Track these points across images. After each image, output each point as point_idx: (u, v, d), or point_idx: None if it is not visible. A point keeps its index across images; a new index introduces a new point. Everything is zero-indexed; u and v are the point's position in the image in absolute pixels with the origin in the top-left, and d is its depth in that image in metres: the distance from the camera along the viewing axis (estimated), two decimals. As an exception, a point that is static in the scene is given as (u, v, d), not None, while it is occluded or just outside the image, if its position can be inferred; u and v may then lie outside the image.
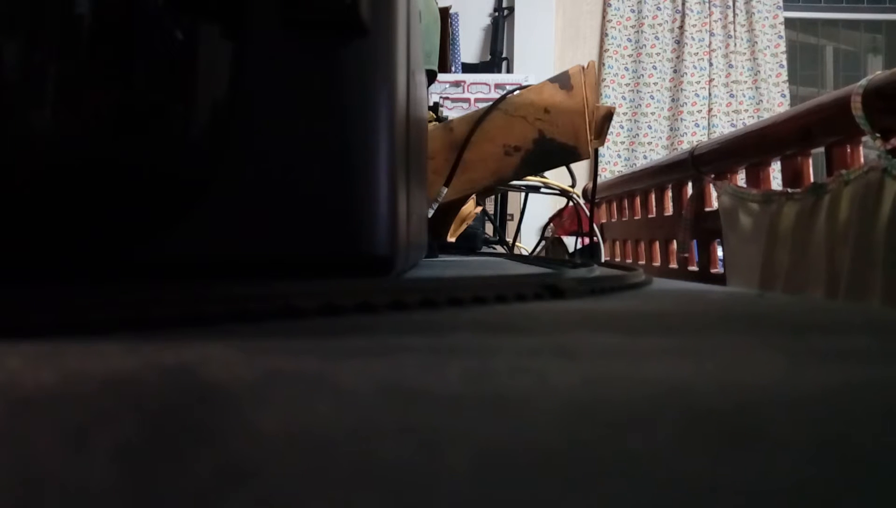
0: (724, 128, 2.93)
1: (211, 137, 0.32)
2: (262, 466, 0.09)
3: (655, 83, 3.01)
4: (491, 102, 0.94)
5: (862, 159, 0.90)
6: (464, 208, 1.11)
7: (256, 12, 0.32)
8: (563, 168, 1.06)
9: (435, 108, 1.12)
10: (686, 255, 1.38)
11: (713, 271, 1.29)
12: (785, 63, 2.98)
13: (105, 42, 0.32)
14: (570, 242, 1.86)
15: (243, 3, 0.32)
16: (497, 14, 2.94)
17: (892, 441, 0.10)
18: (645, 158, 2.94)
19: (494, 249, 1.35)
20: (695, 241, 1.36)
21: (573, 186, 1.18)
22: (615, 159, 2.97)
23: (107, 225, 0.31)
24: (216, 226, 0.31)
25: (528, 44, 2.91)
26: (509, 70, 2.84)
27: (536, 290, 0.32)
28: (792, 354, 0.18)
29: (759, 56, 2.98)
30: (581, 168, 2.48)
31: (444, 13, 1.82)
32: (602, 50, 3.04)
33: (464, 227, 1.23)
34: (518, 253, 1.33)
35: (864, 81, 0.81)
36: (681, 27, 3.01)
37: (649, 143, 3.00)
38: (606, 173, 2.82)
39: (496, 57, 2.85)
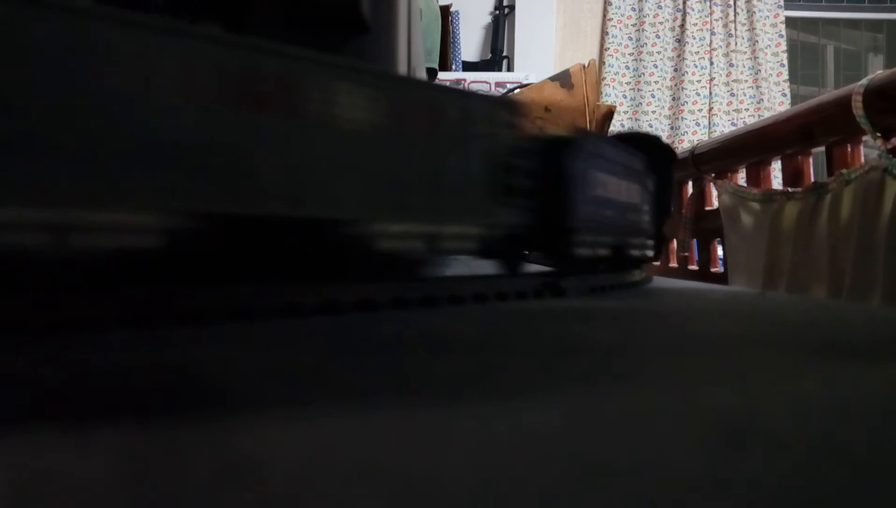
0: (724, 127, 2.92)
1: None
2: (263, 463, 0.09)
3: (656, 82, 3.01)
4: (491, 101, 0.94)
5: (862, 159, 0.90)
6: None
7: (258, 9, 0.32)
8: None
9: (435, 106, 1.11)
10: (686, 254, 1.38)
11: (713, 270, 1.28)
12: (786, 62, 2.98)
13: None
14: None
15: (245, 1, 0.32)
16: (497, 12, 2.93)
17: (893, 441, 0.10)
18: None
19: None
20: (695, 240, 1.36)
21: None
22: (616, 158, 2.96)
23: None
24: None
25: (528, 42, 2.91)
26: (510, 68, 2.84)
27: (537, 288, 0.32)
28: (793, 353, 0.18)
29: (760, 55, 2.97)
30: (581, 167, 2.47)
31: (445, 11, 1.82)
32: (603, 48, 3.03)
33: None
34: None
35: (864, 81, 0.81)
36: (682, 26, 3.00)
37: (650, 141, 3.00)
38: (607, 172, 2.81)
39: (497, 55, 2.84)
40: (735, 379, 0.14)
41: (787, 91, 2.96)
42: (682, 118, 2.95)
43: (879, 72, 0.82)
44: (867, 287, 0.75)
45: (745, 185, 1.17)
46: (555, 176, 0.31)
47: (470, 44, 2.92)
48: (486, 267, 0.35)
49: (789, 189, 1.00)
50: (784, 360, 0.17)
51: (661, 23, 2.99)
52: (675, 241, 1.43)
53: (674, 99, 2.99)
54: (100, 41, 0.18)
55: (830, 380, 0.14)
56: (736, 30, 2.97)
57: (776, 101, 2.96)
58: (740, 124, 2.86)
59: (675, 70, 2.99)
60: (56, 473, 0.09)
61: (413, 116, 0.25)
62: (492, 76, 2.37)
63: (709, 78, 2.96)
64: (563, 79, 0.95)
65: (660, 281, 0.45)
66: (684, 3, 2.97)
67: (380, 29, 0.33)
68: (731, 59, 2.98)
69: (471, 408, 0.12)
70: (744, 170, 1.20)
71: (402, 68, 0.35)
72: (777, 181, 1.16)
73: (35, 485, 0.08)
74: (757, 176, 1.15)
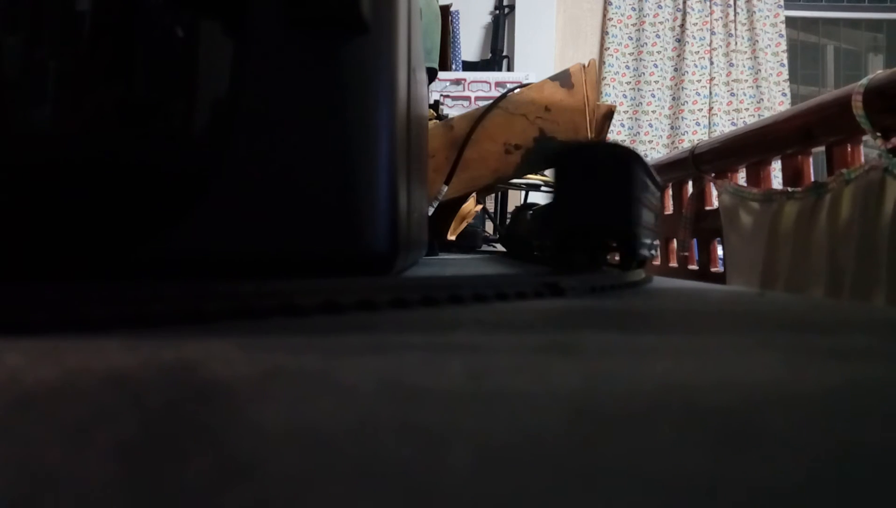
0: (724, 127, 2.92)
1: (212, 135, 0.32)
2: (263, 463, 0.09)
3: (656, 81, 3.01)
4: (491, 101, 0.94)
5: (862, 158, 0.90)
6: (464, 206, 1.11)
7: (258, 9, 0.32)
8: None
9: (435, 106, 1.12)
10: (686, 254, 1.38)
11: (713, 269, 1.28)
12: (786, 62, 2.98)
13: (106, 39, 0.31)
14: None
15: (245, 1, 0.32)
16: (498, 12, 2.93)
17: (893, 441, 0.10)
18: (645, 156, 2.93)
19: (494, 247, 1.35)
20: (695, 240, 1.36)
21: (573, 184, 1.17)
22: (616, 158, 2.96)
23: (108, 223, 0.31)
24: (218, 223, 0.31)
25: (528, 42, 2.91)
26: (510, 68, 2.84)
27: (537, 288, 0.32)
28: (792, 353, 0.18)
29: (760, 55, 2.97)
30: (581, 166, 2.47)
31: (445, 11, 1.82)
32: (603, 48, 3.03)
33: (464, 225, 1.23)
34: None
35: (864, 81, 0.81)
36: (682, 25, 3.00)
37: (650, 141, 3.00)
38: (607, 172, 2.80)
39: (497, 55, 2.84)
40: (734, 378, 0.14)
41: (787, 91, 2.96)
42: (682, 118, 2.96)
43: (879, 72, 0.82)
44: (869, 287, 0.75)
45: (745, 185, 1.17)
46: None
47: (470, 44, 2.92)
48: (487, 267, 0.35)
49: (789, 189, 1.00)
50: (785, 360, 0.17)
51: (661, 23, 2.99)
52: (675, 241, 1.43)
53: (674, 99, 3.00)
54: None
55: (832, 379, 0.14)
56: (736, 30, 2.97)
57: (776, 101, 2.96)
58: (740, 124, 2.86)
59: (675, 70, 2.99)
60: (55, 473, 0.09)
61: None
62: (492, 76, 2.38)
63: (709, 78, 2.97)
64: (563, 79, 0.95)
65: (659, 281, 0.45)
66: (684, 2, 2.98)
67: (380, 29, 0.33)
68: (731, 59, 2.98)
69: (471, 408, 0.12)
70: (744, 170, 1.20)
71: (402, 68, 0.35)
72: (777, 181, 1.16)
73: (34, 485, 0.08)
74: (757, 176, 1.15)
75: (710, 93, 2.97)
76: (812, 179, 1.01)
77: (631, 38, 3.01)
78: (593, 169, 0.32)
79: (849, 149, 0.91)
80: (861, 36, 3.30)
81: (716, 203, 1.24)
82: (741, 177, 1.21)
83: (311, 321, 0.23)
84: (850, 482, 0.08)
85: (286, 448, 0.10)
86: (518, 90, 0.96)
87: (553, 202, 0.34)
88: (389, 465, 0.09)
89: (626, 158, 0.32)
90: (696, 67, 2.97)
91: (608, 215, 0.33)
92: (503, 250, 1.26)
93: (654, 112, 2.98)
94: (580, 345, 0.19)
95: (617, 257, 0.41)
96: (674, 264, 1.45)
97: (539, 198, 1.56)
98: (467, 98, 2.24)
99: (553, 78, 0.96)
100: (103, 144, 0.31)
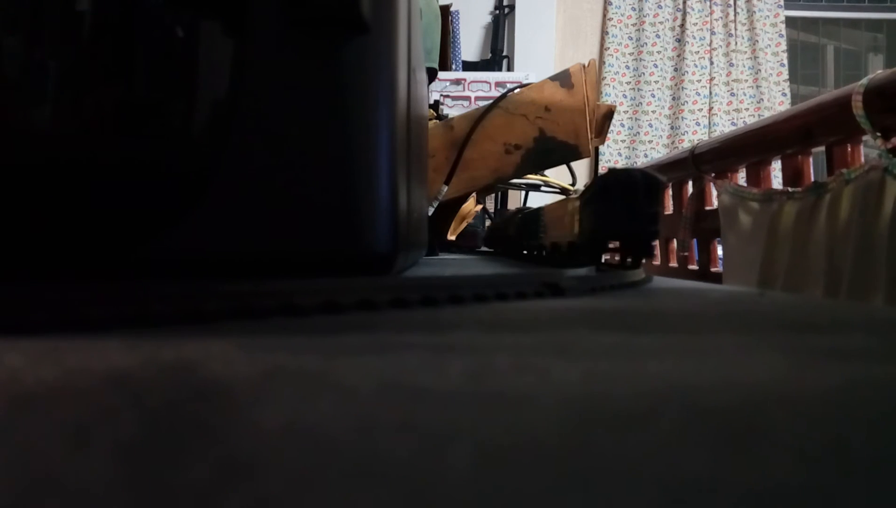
0: (724, 127, 2.92)
1: (212, 135, 0.32)
2: (263, 463, 0.09)
3: (656, 81, 3.01)
4: (491, 101, 0.94)
5: (862, 159, 0.90)
6: (464, 206, 1.11)
7: (258, 9, 0.32)
8: (564, 166, 1.06)
9: (435, 106, 1.12)
10: (686, 254, 1.38)
11: (713, 269, 1.28)
12: (786, 62, 2.97)
13: (106, 39, 0.31)
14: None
15: (245, 1, 0.32)
16: (498, 12, 2.93)
17: (892, 441, 0.10)
18: (645, 156, 2.94)
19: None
20: (695, 240, 1.36)
21: (574, 184, 1.18)
22: (616, 158, 2.97)
23: (108, 223, 0.31)
24: (217, 223, 0.31)
25: (528, 42, 2.91)
26: (510, 68, 2.84)
27: (537, 288, 0.32)
28: (792, 353, 0.18)
29: (760, 55, 2.97)
30: (581, 166, 2.47)
31: (445, 11, 1.82)
32: (603, 48, 3.03)
33: (464, 225, 1.23)
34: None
35: (864, 81, 0.81)
36: (682, 25, 3.00)
37: (650, 141, 3.00)
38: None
39: (497, 55, 2.85)
40: (734, 378, 0.15)
41: (787, 91, 2.96)
42: (682, 118, 2.96)
43: (879, 72, 0.82)
44: (867, 287, 0.75)
45: (745, 185, 1.17)
46: None
47: (470, 44, 2.92)
48: (487, 267, 0.35)
49: (789, 189, 1.00)
50: (785, 360, 0.17)
51: (661, 22, 2.99)
52: (675, 241, 1.43)
53: (674, 99, 3.00)
54: None
55: (832, 379, 0.15)
56: (736, 29, 2.97)
57: (776, 101, 2.96)
58: (740, 124, 2.86)
59: (675, 70, 2.99)
60: (55, 473, 0.09)
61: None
62: (492, 76, 2.38)
63: (709, 78, 2.97)
64: (563, 79, 0.95)
65: (659, 281, 0.45)
66: (684, 2, 2.98)
67: (380, 29, 0.33)
68: (731, 59, 2.98)
69: (471, 408, 0.12)
70: (744, 170, 1.20)
71: (402, 68, 0.35)
72: (777, 181, 1.16)
73: (34, 485, 0.08)
74: (757, 176, 1.15)
75: (710, 93, 2.97)
76: (812, 179, 1.01)
77: (631, 38, 3.01)
78: (630, 189, 0.41)
79: (849, 149, 0.91)
80: (861, 36, 3.30)
81: (716, 203, 1.24)
82: (741, 177, 1.21)
83: (311, 321, 0.23)
84: (849, 482, 0.08)
85: (286, 448, 0.10)
86: (518, 90, 0.96)
87: (595, 214, 0.42)
88: (389, 465, 0.09)
89: (655, 182, 0.42)
90: (696, 67, 2.97)
91: (639, 224, 0.41)
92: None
93: (654, 112, 2.98)
94: (580, 345, 0.19)
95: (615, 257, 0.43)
96: (674, 264, 1.45)
97: (539, 198, 1.56)
98: (467, 98, 2.24)
99: (553, 78, 0.96)
100: (103, 144, 0.31)
